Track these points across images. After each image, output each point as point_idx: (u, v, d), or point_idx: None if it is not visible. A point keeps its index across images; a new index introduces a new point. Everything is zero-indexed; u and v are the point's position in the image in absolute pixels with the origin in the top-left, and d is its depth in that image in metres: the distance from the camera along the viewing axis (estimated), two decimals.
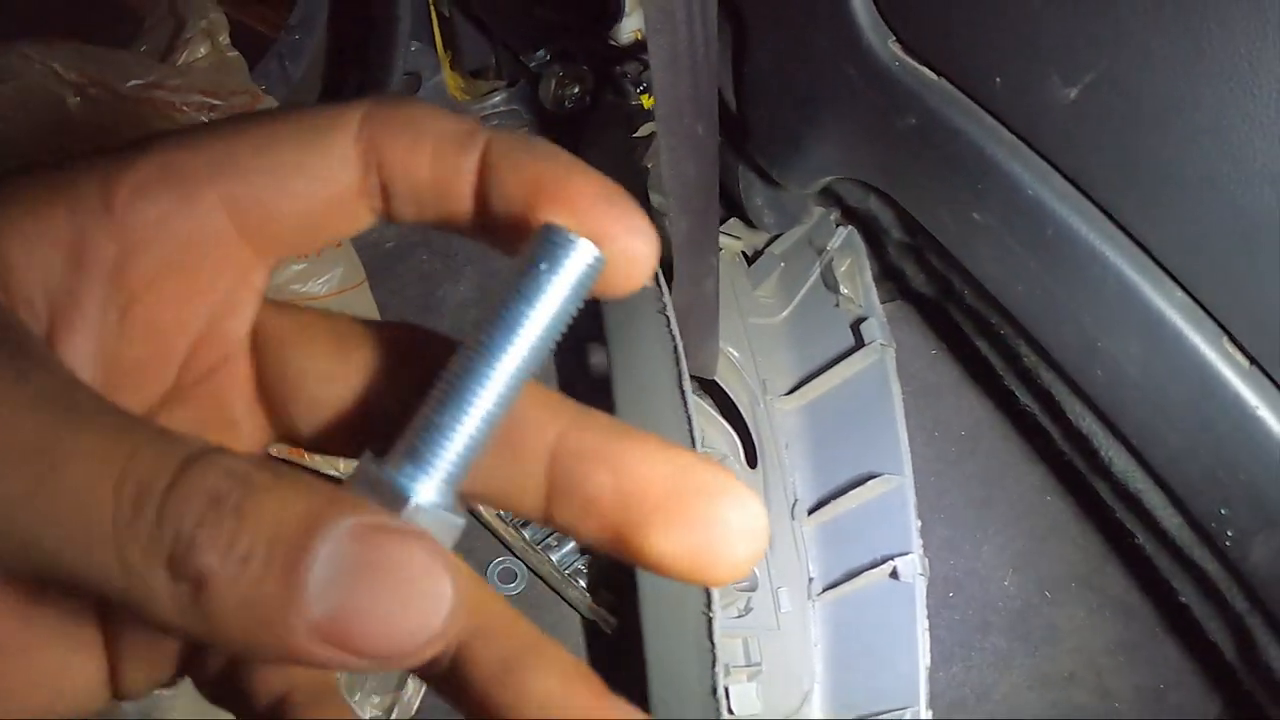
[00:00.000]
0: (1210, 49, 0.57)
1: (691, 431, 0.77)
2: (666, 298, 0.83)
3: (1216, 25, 0.57)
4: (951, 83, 0.76)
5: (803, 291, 0.98)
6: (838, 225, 0.99)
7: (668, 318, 0.82)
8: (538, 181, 0.24)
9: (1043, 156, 0.72)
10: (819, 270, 0.97)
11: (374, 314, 0.90)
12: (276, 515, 0.20)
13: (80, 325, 0.25)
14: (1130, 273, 0.69)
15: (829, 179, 0.88)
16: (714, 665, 0.73)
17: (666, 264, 0.84)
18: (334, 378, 0.28)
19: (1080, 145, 0.70)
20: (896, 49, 0.78)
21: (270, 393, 0.28)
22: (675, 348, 0.80)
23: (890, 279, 1.01)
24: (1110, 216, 0.70)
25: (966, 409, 1.02)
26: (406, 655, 0.21)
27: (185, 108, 0.82)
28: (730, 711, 0.76)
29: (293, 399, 0.28)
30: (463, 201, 0.25)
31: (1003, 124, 0.74)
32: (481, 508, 0.97)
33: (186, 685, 0.31)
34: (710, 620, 0.74)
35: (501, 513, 0.97)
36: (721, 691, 0.73)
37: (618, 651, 0.96)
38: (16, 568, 0.22)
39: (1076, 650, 0.99)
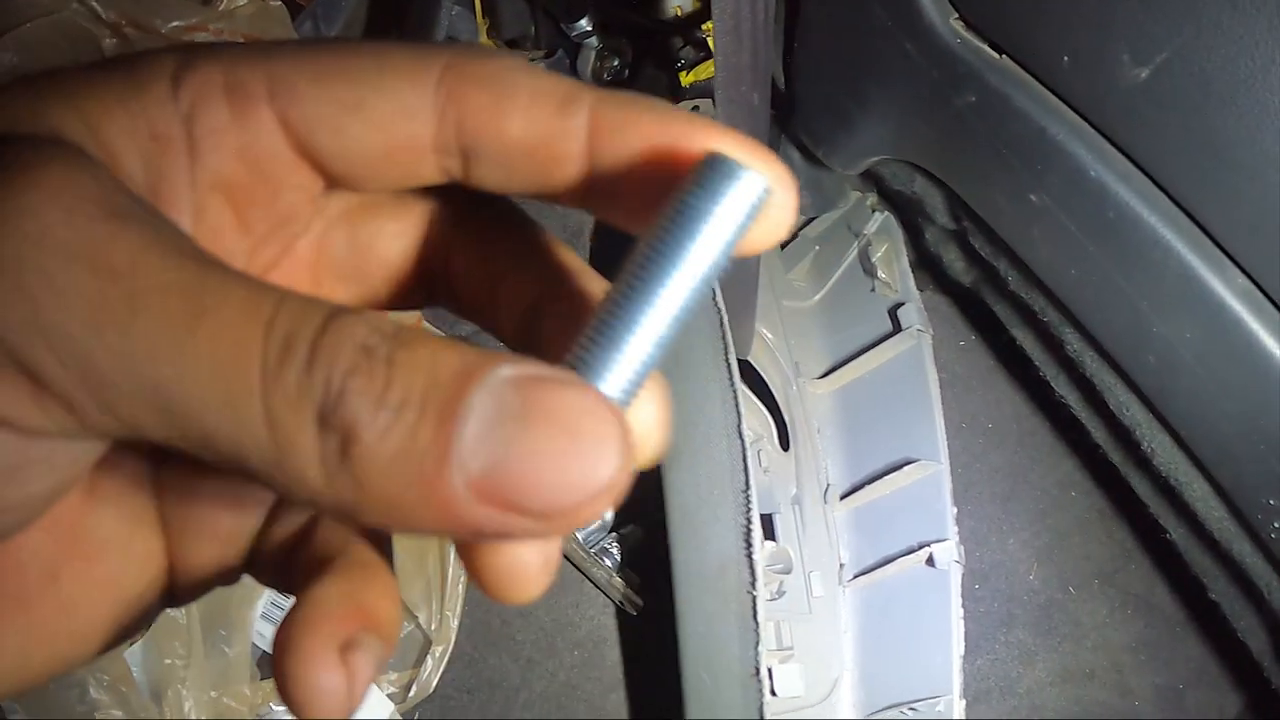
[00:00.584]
0: None
1: (738, 406, 0.76)
2: None
3: None
4: (1015, 61, 0.75)
5: (837, 275, 0.97)
6: (874, 211, 0.97)
7: (713, 289, 0.80)
8: (670, 134, 0.23)
9: (1107, 138, 0.72)
10: (855, 254, 0.95)
11: None
12: (431, 365, 0.19)
13: (170, 215, 0.24)
14: (1191, 257, 0.69)
15: (876, 159, 0.87)
16: (757, 645, 0.71)
17: None
18: (401, 233, 0.27)
19: (1147, 126, 0.69)
20: (958, 25, 0.77)
21: (337, 263, 0.27)
22: (721, 320, 0.79)
23: (924, 268, 1.00)
24: (1174, 199, 0.69)
25: (994, 402, 1.01)
26: (573, 510, 0.19)
27: None
28: (773, 693, 0.74)
29: (363, 261, 0.27)
30: (568, 165, 0.23)
31: (1067, 104, 0.73)
32: None
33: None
34: (754, 599, 0.72)
35: None
36: (765, 672, 0.71)
37: (643, 632, 0.94)
38: (140, 423, 0.20)
39: (1098, 647, 0.98)
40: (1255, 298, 0.67)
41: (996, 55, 0.75)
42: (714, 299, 0.80)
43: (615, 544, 0.95)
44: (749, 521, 0.73)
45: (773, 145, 0.91)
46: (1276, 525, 0.74)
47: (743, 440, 0.76)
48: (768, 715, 0.70)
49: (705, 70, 1.00)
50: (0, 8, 0.76)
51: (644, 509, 0.97)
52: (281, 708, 0.88)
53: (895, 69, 0.80)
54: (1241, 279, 0.68)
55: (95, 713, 0.79)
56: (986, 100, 0.76)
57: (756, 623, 0.71)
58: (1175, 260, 0.70)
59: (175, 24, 0.74)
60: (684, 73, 1.01)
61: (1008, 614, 0.97)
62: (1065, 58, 0.72)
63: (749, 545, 0.73)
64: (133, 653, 0.86)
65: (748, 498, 0.74)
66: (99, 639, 0.25)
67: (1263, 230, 0.65)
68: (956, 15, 0.77)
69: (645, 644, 0.93)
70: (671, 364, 0.85)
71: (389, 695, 0.87)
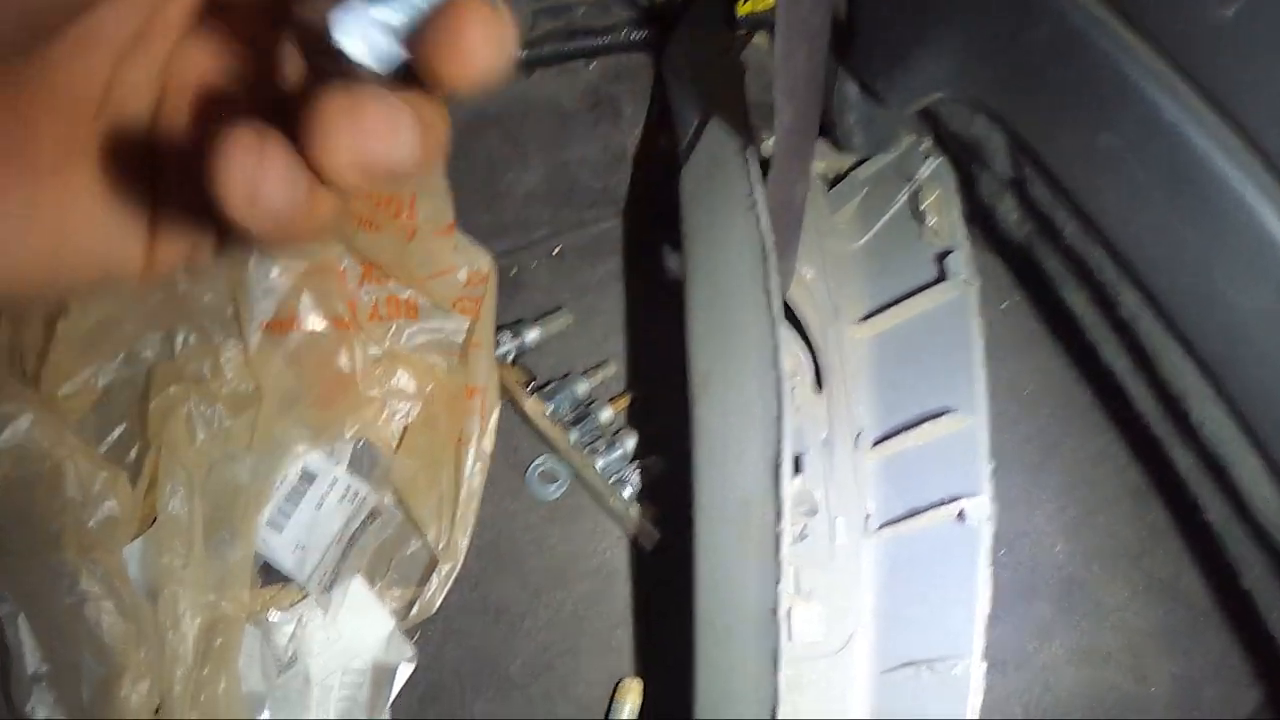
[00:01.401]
0: None
1: (775, 336, 0.72)
2: (758, 195, 0.77)
3: None
4: None
5: (885, 219, 0.93)
6: (928, 156, 0.94)
7: (758, 216, 0.76)
8: None
9: (1187, 79, 0.68)
10: (906, 198, 0.92)
11: (438, 174, 0.84)
12: None
13: None
14: (1271, 216, 0.65)
15: (936, 96, 0.83)
16: (778, 583, 0.68)
17: (762, 161, 0.79)
18: None
19: (1230, 69, 0.65)
20: None
21: None
22: (764, 246, 0.75)
23: (974, 223, 0.96)
24: (1256, 151, 0.65)
25: (1032, 369, 0.97)
26: None
27: None
28: (789, 636, 0.71)
29: None
30: None
31: (1146, 41, 0.69)
32: (527, 403, 0.92)
33: None
34: (779, 536, 0.69)
35: (550, 411, 0.91)
36: (784, 613, 0.68)
37: (657, 568, 0.91)
38: None
39: (1117, 629, 0.95)
40: None
41: None
42: (757, 225, 0.76)
43: (635, 474, 0.92)
44: (779, 454, 0.70)
45: (829, 79, 0.87)
46: None
47: (779, 371, 0.73)
48: (783, 660, 0.67)
49: (763, 0, 0.96)
50: None
51: (667, 441, 0.94)
52: (279, 613, 0.86)
53: (964, 0, 0.77)
54: None
55: (85, 604, 0.77)
56: (1060, 35, 0.72)
57: (779, 560, 0.68)
58: (1252, 217, 0.66)
59: None
60: (741, 2, 0.97)
61: (1030, 585, 0.93)
62: None
63: (777, 479, 0.70)
64: (131, 549, 0.83)
65: (780, 429, 0.71)
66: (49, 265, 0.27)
67: None
68: None
69: (658, 581, 0.90)
70: (708, 290, 0.82)
71: (392, 611, 0.84)
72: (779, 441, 0.71)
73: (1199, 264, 0.70)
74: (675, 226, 0.88)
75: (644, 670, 0.88)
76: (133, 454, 0.86)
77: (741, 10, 0.97)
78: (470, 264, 0.86)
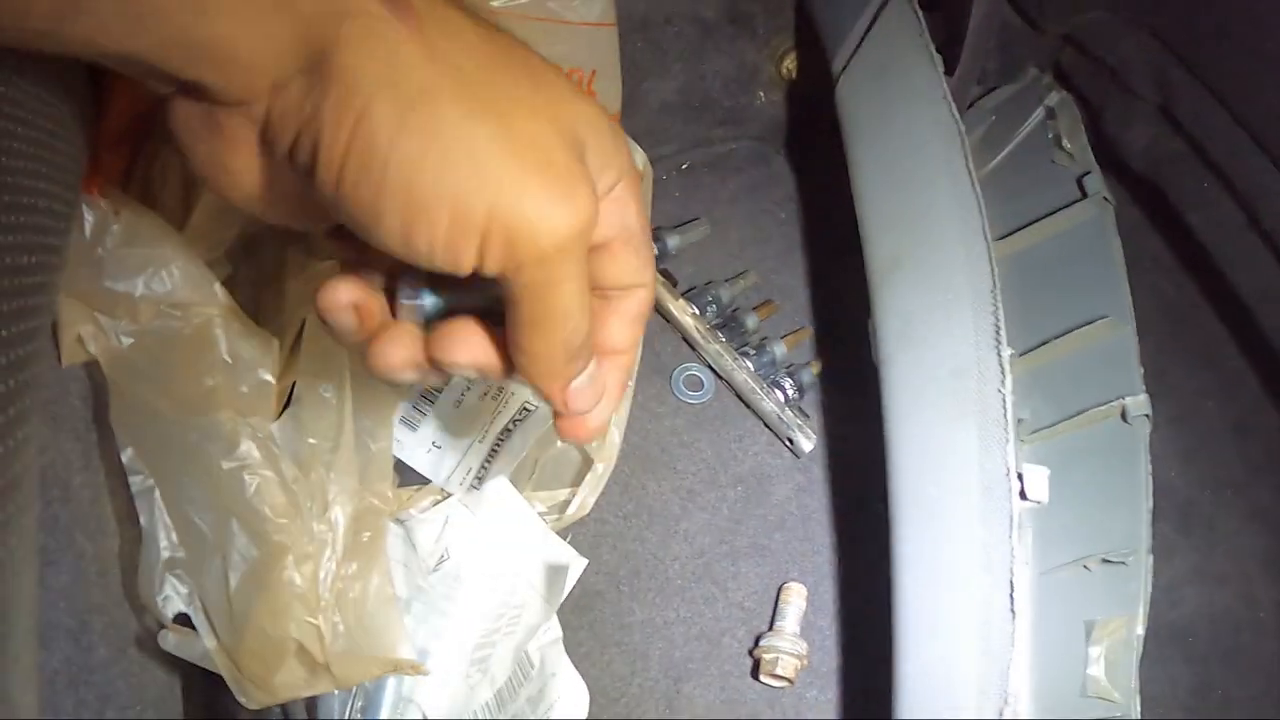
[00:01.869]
0: None
1: (980, 206, 0.73)
2: (945, 83, 0.78)
3: None
4: None
5: (1015, 143, 0.95)
6: (1051, 89, 0.97)
7: (949, 104, 0.77)
8: None
9: None
10: (1037, 122, 0.94)
11: (615, 56, 0.82)
12: None
13: None
14: None
15: (1093, 13, 0.86)
16: (1008, 444, 0.67)
17: (950, 54, 0.80)
18: None
19: None
20: None
21: None
22: (959, 131, 0.76)
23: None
24: None
25: (1138, 299, 1.01)
26: None
27: None
28: (1023, 496, 0.70)
29: None
30: None
31: None
32: (674, 307, 0.89)
33: None
34: (1005, 397, 0.68)
35: (697, 311, 0.88)
36: (1015, 475, 0.67)
37: (811, 474, 0.88)
38: None
39: (1230, 554, 0.97)
40: None
41: None
42: (950, 111, 0.77)
43: (788, 379, 0.89)
44: (998, 320, 0.70)
45: None
46: None
47: (987, 241, 0.73)
48: (1016, 521, 0.66)
49: None
50: None
51: (824, 346, 0.93)
52: (419, 514, 0.80)
53: None
54: None
55: (244, 470, 0.70)
56: None
57: (1006, 421, 0.68)
58: None
59: None
60: None
61: (1154, 505, 0.95)
62: None
63: (998, 342, 0.70)
64: (273, 428, 0.76)
65: (995, 297, 0.71)
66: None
67: None
68: None
69: (814, 485, 0.88)
70: (889, 180, 0.82)
71: (540, 514, 0.80)
72: (996, 309, 0.71)
73: None
74: (806, 147, 0.88)
75: (805, 574, 0.85)
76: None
77: None
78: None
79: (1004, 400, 0.68)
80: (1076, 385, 0.85)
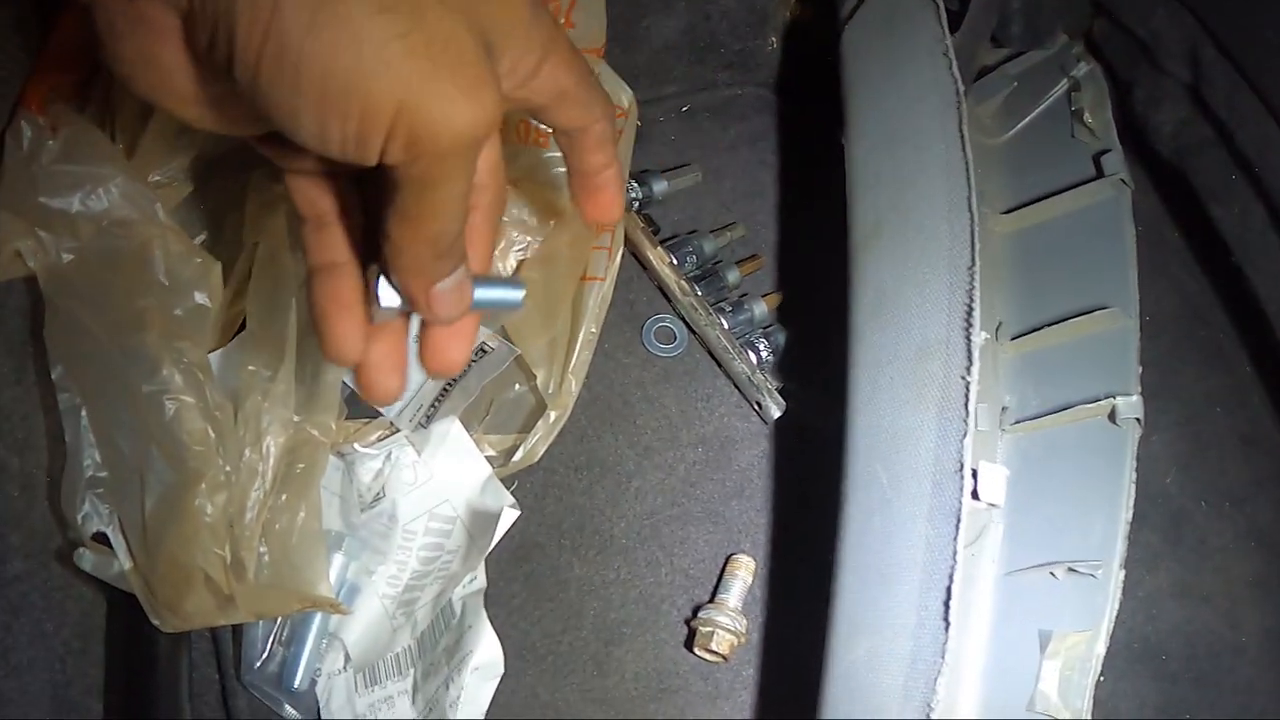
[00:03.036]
0: None
1: (969, 177, 0.67)
2: (950, 43, 0.72)
3: None
4: None
5: (1035, 114, 0.89)
6: (1079, 60, 0.90)
7: (950, 60, 0.71)
8: None
9: None
10: (1061, 93, 0.87)
11: (603, 5, 0.78)
12: None
13: None
14: None
15: None
16: (964, 437, 0.63)
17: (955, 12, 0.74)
18: None
19: None
20: None
21: None
22: (957, 92, 0.70)
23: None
24: None
25: (1157, 295, 0.94)
26: None
27: None
28: (975, 496, 0.66)
29: None
30: None
31: None
32: (652, 254, 0.85)
33: None
34: (968, 385, 0.64)
35: (675, 262, 0.84)
36: (969, 471, 0.62)
37: (777, 441, 0.84)
38: None
39: (1218, 571, 0.92)
40: None
41: None
42: (950, 69, 0.71)
43: (762, 340, 0.85)
44: (971, 301, 0.65)
45: None
46: None
47: (973, 214, 0.67)
48: (965, 519, 0.62)
49: None
50: None
51: (799, 313, 0.88)
52: (364, 449, 0.78)
53: None
54: None
55: (164, 395, 0.67)
56: None
57: (967, 411, 0.63)
58: None
59: None
60: None
61: (1141, 511, 0.89)
62: None
63: (969, 324, 0.65)
64: (214, 355, 0.75)
65: (972, 275, 0.66)
66: None
67: None
68: None
69: (780, 453, 0.84)
70: (881, 139, 0.76)
71: (488, 457, 0.77)
72: (971, 287, 0.66)
73: None
74: (814, 99, 0.83)
75: (756, 547, 0.81)
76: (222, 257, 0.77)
77: None
78: (613, 96, 0.80)
79: (967, 388, 0.63)
80: (1069, 377, 0.80)
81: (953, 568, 0.61)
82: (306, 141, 0.37)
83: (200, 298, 0.70)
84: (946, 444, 0.63)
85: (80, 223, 0.69)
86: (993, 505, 0.67)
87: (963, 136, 0.68)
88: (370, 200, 0.45)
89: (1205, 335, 0.96)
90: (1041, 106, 0.89)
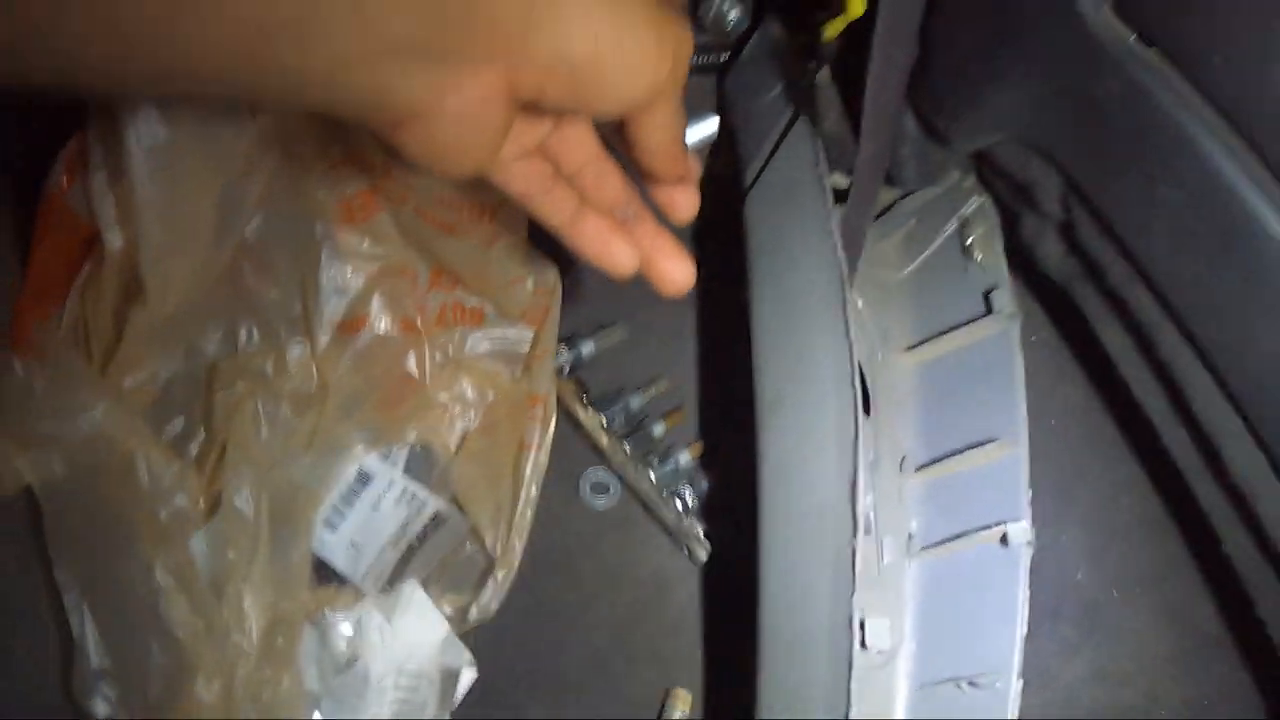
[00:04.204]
0: None
1: (852, 355, 0.76)
2: (835, 223, 0.81)
3: None
4: (1164, 54, 0.75)
5: (931, 250, 0.97)
6: (971, 194, 0.98)
7: (835, 243, 0.80)
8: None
9: (1249, 145, 0.72)
10: (952, 231, 0.96)
11: None
12: None
13: None
14: None
15: (998, 137, 0.87)
16: (852, 595, 0.71)
17: (839, 190, 0.82)
18: None
19: None
20: (1109, 12, 0.77)
21: None
22: (841, 274, 0.78)
23: (1011, 259, 1.00)
24: None
25: (1059, 400, 1.02)
26: None
27: None
28: (864, 645, 0.74)
29: None
30: None
31: (1212, 105, 0.74)
32: (583, 415, 0.94)
33: None
34: (854, 550, 0.72)
35: (605, 422, 0.93)
36: (858, 623, 0.71)
37: (708, 581, 0.93)
38: None
39: (1135, 653, 1.00)
40: None
41: (1145, 47, 0.76)
42: (835, 251, 0.80)
43: (688, 489, 0.94)
44: (855, 470, 0.73)
45: (898, 112, 0.91)
46: None
47: (855, 391, 0.76)
48: (856, 666, 0.70)
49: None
50: None
51: (722, 458, 0.97)
52: (335, 614, 0.87)
53: (1038, 50, 0.80)
54: None
55: (159, 598, 0.77)
56: (1129, 91, 0.76)
57: (854, 572, 0.71)
58: None
59: None
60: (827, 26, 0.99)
61: (1055, 607, 0.98)
62: (1218, 58, 0.72)
63: (854, 498, 0.73)
64: (193, 542, 0.83)
65: (856, 453, 0.74)
66: None
67: None
68: (1110, 3, 0.77)
69: (710, 592, 0.93)
70: (778, 315, 0.85)
71: (447, 617, 0.86)
72: (855, 464, 0.74)
73: (1242, 314, 0.75)
74: (727, 251, 0.91)
75: (693, 680, 0.90)
76: (193, 448, 0.87)
77: (827, 36, 0.99)
78: (538, 274, 0.88)
79: (853, 551, 0.71)
80: (967, 504, 0.88)
81: (847, 709, 0.70)
82: (612, 108, 0.45)
83: (180, 500, 0.80)
84: (838, 601, 0.72)
85: (71, 442, 0.78)
86: (882, 651, 0.75)
87: (845, 317, 0.77)
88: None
89: (1109, 432, 1.04)
90: (935, 243, 0.97)
